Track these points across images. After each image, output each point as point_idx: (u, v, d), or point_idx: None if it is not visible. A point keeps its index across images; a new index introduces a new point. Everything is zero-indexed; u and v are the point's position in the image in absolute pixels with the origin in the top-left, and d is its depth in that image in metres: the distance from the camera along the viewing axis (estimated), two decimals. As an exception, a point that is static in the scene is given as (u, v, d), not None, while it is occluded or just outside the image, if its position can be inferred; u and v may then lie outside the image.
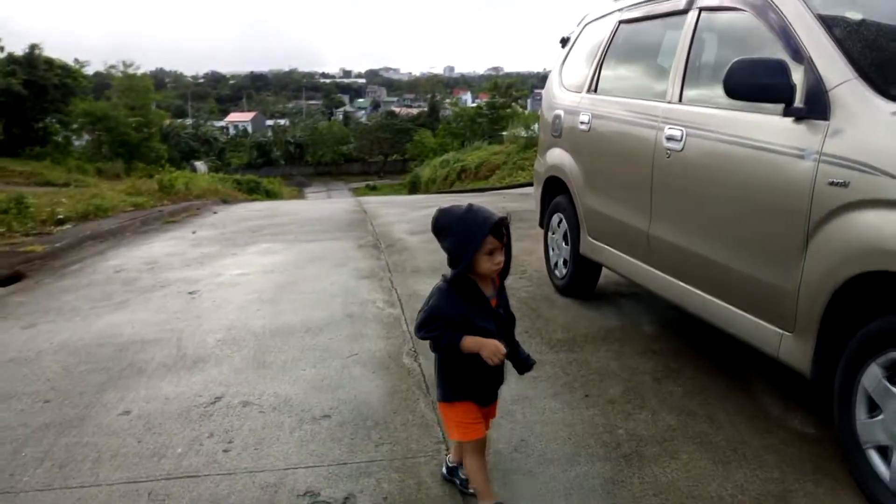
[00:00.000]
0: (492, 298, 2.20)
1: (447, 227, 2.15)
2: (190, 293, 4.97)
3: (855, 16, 2.70)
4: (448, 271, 2.14)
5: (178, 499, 2.35)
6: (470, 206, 2.14)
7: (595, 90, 4.32)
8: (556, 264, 4.80)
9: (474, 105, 50.29)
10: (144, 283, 5.34)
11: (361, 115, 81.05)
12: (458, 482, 2.38)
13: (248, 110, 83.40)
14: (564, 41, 5.09)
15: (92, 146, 32.79)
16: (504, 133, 28.88)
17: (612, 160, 3.96)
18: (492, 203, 9.58)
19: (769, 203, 2.62)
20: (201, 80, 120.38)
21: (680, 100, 3.34)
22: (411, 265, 5.62)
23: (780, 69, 2.54)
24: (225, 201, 13.60)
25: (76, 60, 32.15)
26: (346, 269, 5.59)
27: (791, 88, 2.53)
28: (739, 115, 2.83)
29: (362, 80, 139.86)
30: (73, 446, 2.73)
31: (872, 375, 2.19)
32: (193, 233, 8.01)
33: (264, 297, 4.79)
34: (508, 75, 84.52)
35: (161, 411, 3.02)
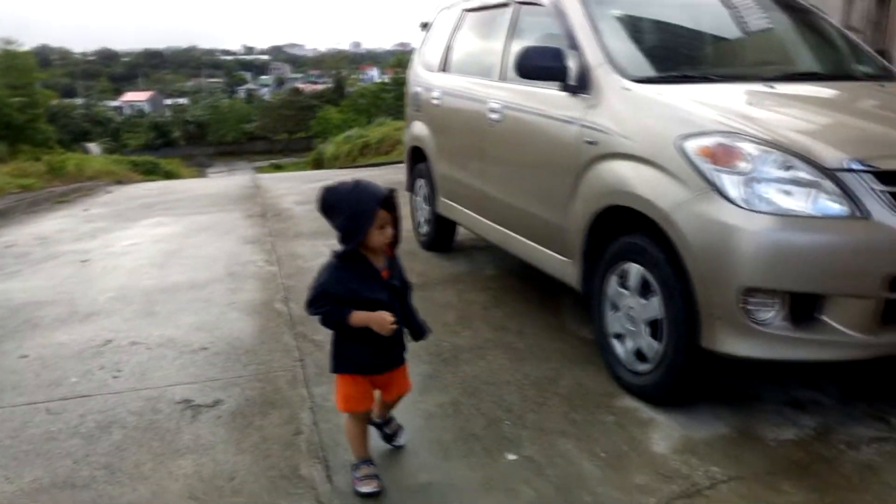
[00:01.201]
0: (383, 270, 2.23)
1: (336, 206, 2.15)
2: (82, 262, 5.33)
3: (615, 12, 3.44)
4: (334, 244, 2.20)
5: (72, 412, 2.85)
6: (357, 182, 2.16)
7: (445, 69, 4.95)
8: (419, 223, 5.44)
9: (378, 81, 50.36)
10: (36, 256, 5.64)
11: (265, 93, 79.32)
12: (381, 435, 2.51)
13: (145, 89, 79.97)
14: (424, 25, 5.70)
15: (-29, 128, 31.03)
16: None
17: (456, 130, 4.61)
18: (382, 176, 10.17)
19: (554, 161, 3.32)
20: (92, 58, 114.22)
21: (502, 78, 4.01)
22: (294, 231, 6.15)
23: (557, 55, 3.24)
24: (119, 182, 13.57)
25: (-49, 37, 30.28)
26: (232, 236, 6.06)
27: (565, 70, 3.23)
28: (536, 91, 3.51)
29: (266, 57, 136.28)
30: (-22, 383, 3.16)
31: (612, 283, 2.93)
32: (85, 210, 8.21)
33: (154, 262, 5.22)
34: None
35: (56, 354, 3.48)
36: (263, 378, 3.13)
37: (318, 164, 31.11)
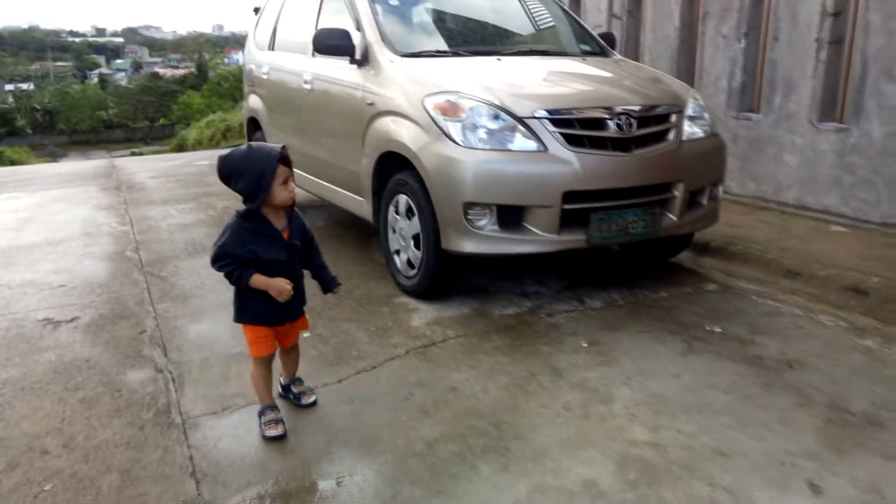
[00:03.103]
0: (283, 231, 2.37)
1: (236, 170, 2.26)
2: (-64, 231, 5.67)
3: (393, 2, 4.35)
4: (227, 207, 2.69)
5: (-53, 332, 3.45)
6: (249, 146, 2.31)
7: (272, 48, 5.71)
8: (260, 186, 6.18)
9: (242, 64, 49.48)
10: None
11: (121, 78, 75.36)
12: (290, 397, 2.66)
13: (-19, 74, 73.83)
14: (257, 10, 6.41)
15: None
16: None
17: (281, 100, 5.40)
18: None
19: (349, 120, 4.20)
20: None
21: (313, 55, 4.83)
22: (146, 199, 6.70)
23: (345, 34, 4.11)
24: (-38, 168, 13.19)
25: None
26: (87, 205, 6.53)
27: (352, 47, 4.11)
28: (335, 64, 4.37)
29: (119, 40, 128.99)
30: None
31: (391, 212, 3.87)
32: (-69, 191, 8.26)
33: (8, 227, 5.65)
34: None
35: (-76, 297, 4.00)
36: (115, 301, 3.83)
37: (181, 150, 30.59)
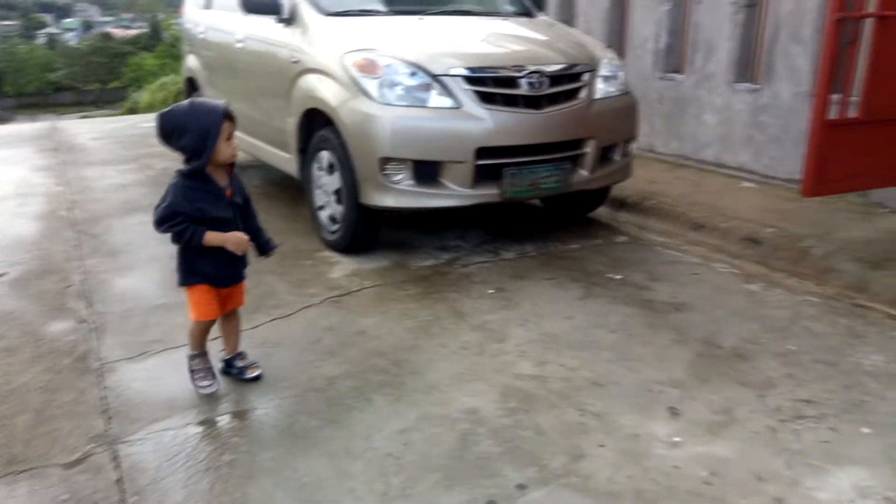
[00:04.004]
0: (226, 188, 2.34)
1: (178, 127, 2.20)
2: None
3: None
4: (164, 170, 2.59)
5: None
6: (192, 102, 2.26)
7: (208, 7, 5.72)
8: (198, 146, 6.23)
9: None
10: None
11: (71, 38, 72.89)
12: (234, 372, 2.58)
13: (-79, 33, 70.65)
14: (193, -32, 6.37)
15: None
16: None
17: (216, 59, 5.44)
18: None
19: (277, 78, 4.29)
20: None
21: (246, 14, 4.86)
22: (85, 160, 6.69)
23: (273, -7, 4.18)
24: None
25: None
26: (23, 166, 6.49)
27: (280, 6, 4.18)
28: (265, 22, 4.43)
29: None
30: None
31: (314, 168, 4.00)
32: None
33: (-60, 189, 5.64)
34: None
35: None
36: (44, 258, 3.92)
37: (133, 113, 29.92)
